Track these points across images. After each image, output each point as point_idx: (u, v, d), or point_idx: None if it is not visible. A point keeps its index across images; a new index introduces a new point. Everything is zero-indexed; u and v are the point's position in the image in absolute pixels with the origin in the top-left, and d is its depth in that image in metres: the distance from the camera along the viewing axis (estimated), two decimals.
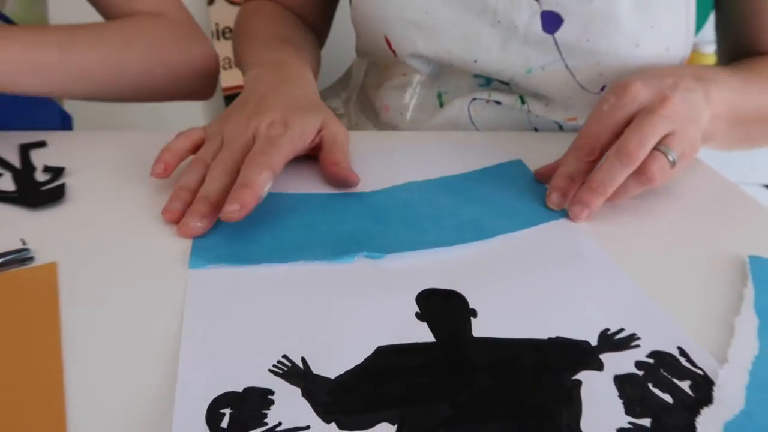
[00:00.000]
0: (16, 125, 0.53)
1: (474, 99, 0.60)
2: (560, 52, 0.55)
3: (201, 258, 0.36)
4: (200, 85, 0.61)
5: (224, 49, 1.36)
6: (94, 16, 0.60)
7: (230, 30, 1.34)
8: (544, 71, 0.56)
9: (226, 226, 0.39)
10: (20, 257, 0.36)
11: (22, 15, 0.61)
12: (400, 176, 0.48)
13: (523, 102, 0.59)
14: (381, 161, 0.51)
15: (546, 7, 0.53)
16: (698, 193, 0.49)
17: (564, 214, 0.44)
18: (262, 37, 0.62)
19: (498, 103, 0.60)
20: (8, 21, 0.59)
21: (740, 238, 0.42)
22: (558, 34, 0.54)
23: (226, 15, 1.32)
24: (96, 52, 0.50)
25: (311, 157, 0.48)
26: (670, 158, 0.42)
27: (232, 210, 0.37)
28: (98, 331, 0.31)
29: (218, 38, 1.34)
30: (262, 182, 0.39)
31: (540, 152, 0.52)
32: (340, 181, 0.45)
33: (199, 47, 0.60)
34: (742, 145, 0.55)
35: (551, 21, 0.54)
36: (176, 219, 0.40)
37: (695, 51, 1.68)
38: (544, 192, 0.46)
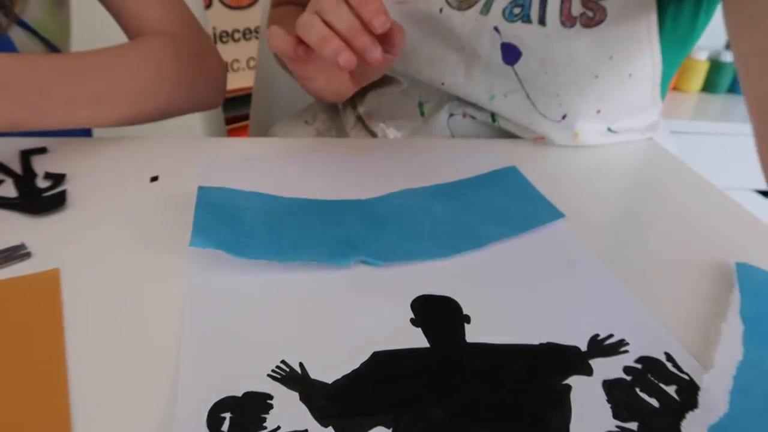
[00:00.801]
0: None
1: (452, 115, 0.61)
2: (521, 82, 0.56)
3: (202, 238, 0.37)
4: (212, 96, 0.62)
5: (221, 52, 1.37)
6: (114, 24, 0.61)
7: (227, 34, 1.35)
8: (506, 98, 0.57)
9: (226, 215, 0.40)
10: (18, 253, 0.37)
11: (45, 22, 0.61)
12: (396, 183, 0.49)
13: (494, 120, 0.60)
14: (376, 169, 0.52)
15: (505, 39, 0.54)
16: (686, 200, 0.50)
17: (557, 216, 0.45)
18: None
19: (473, 117, 0.61)
20: (30, 29, 0.59)
21: (727, 245, 0.43)
22: (517, 66, 0.55)
23: (223, 19, 1.33)
24: (108, 80, 0.51)
25: (312, 162, 0.49)
26: None
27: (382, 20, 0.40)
28: (100, 336, 0.32)
29: (216, 42, 1.35)
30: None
31: (532, 159, 0.53)
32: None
33: (211, 60, 0.61)
34: None
35: (511, 53, 0.55)
36: (352, 60, 0.41)
37: (689, 58, 1.70)
38: (538, 198, 0.47)
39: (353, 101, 0.70)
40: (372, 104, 0.65)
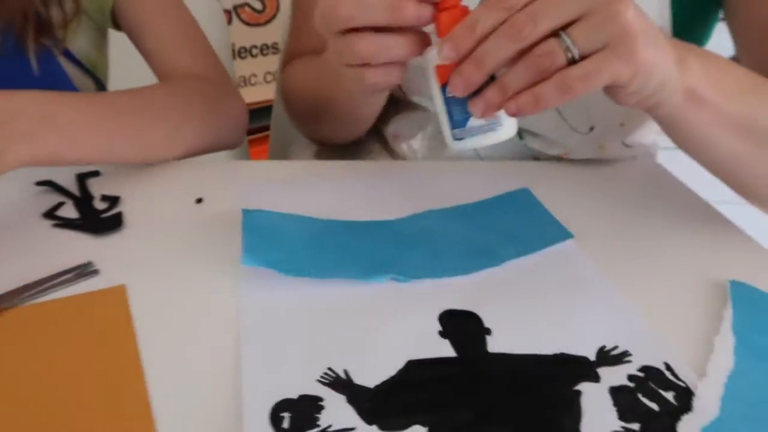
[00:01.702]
0: None
1: None
2: None
3: (253, 258, 0.41)
4: (234, 137, 0.65)
5: (240, 67, 1.42)
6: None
7: (245, 49, 1.40)
8: None
9: (271, 236, 0.45)
10: (86, 270, 0.42)
11: (88, 54, 0.66)
12: (419, 204, 0.53)
13: (521, 137, 0.64)
14: (400, 190, 0.56)
15: None
16: (685, 221, 0.54)
17: (566, 236, 0.49)
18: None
19: None
20: (75, 60, 0.64)
21: (722, 263, 0.47)
22: None
23: (242, 35, 1.38)
24: (142, 119, 0.55)
25: (343, 184, 0.53)
26: (565, 43, 0.36)
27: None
28: (167, 345, 0.36)
29: (234, 57, 1.40)
30: None
31: (545, 180, 0.58)
32: None
33: (234, 102, 0.65)
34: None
35: None
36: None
37: None
38: (549, 219, 0.52)
39: (376, 128, 0.74)
40: (397, 127, 0.69)
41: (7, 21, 0.56)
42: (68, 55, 0.64)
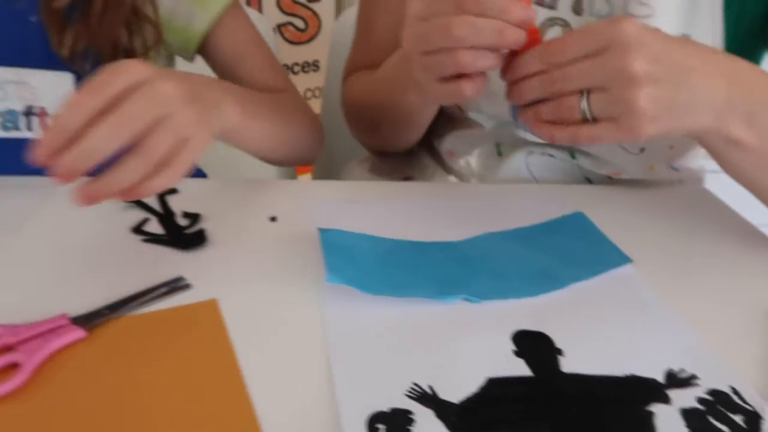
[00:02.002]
0: None
1: (531, 152, 0.67)
2: None
3: (335, 276, 0.44)
4: (313, 152, 0.71)
5: None
6: None
7: (288, 67, 1.44)
8: None
9: (348, 254, 0.47)
10: (178, 285, 0.45)
11: None
12: (477, 226, 0.56)
13: (573, 156, 0.67)
14: (459, 212, 0.59)
15: None
16: (735, 245, 0.55)
17: (625, 261, 0.51)
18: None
19: (552, 155, 0.67)
20: None
21: None
22: None
23: (286, 53, 1.43)
24: (270, 115, 0.60)
25: (404, 205, 0.56)
26: (584, 105, 0.44)
27: None
28: (260, 357, 0.39)
29: None
30: None
31: (596, 203, 0.60)
32: None
33: (310, 112, 0.70)
34: None
35: None
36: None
37: None
38: (607, 243, 0.54)
39: (429, 142, 0.77)
40: (453, 143, 0.72)
41: (97, 52, 0.59)
42: None
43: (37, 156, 0.39)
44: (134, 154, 0.40)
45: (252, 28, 0.71)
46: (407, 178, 0.77)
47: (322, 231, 0.50)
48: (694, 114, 0.45)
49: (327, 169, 1.04)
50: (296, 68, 1.43)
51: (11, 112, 0.60)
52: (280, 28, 1.40)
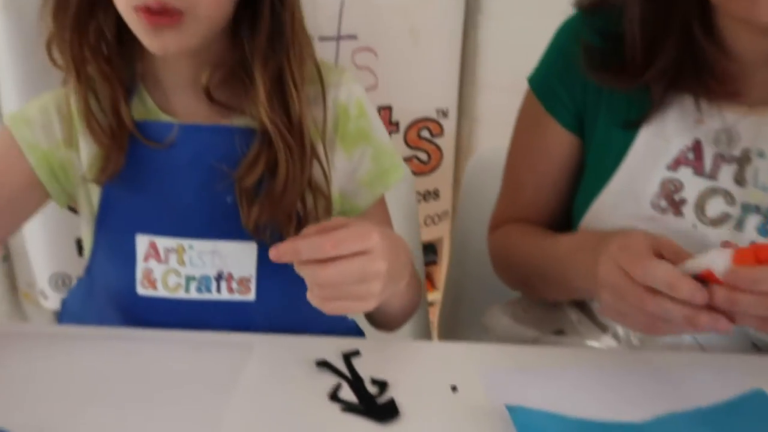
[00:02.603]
0: (315, 329, 0.67)
1: None
2: None
3: None
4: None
5: None
6: None
7: None
8: None
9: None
10: None
11: None
12: (650, 401, 0.56)
13: None
14: (627, 383, 0.59)
15: None
16: None
17: None
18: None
19: None
20: None
21: None
22: None
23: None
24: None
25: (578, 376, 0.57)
26: None
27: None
28: None
29: None
30: None
31: None
32: None
33: (419, 278, 0.77)
34: None
35: None
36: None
37: None
38: None
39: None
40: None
41: (275, 221, 0.66)
42: None
43: (277, 254, 0.53)
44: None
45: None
46: (559, 332, 0.78)
47: (511, 409, 0.52)
48: None
49: (453, 309, 1.07)
50: (418, 197, 1.51)
51: (206, 278, 0.69)
52: (405, 161, 1.50)
